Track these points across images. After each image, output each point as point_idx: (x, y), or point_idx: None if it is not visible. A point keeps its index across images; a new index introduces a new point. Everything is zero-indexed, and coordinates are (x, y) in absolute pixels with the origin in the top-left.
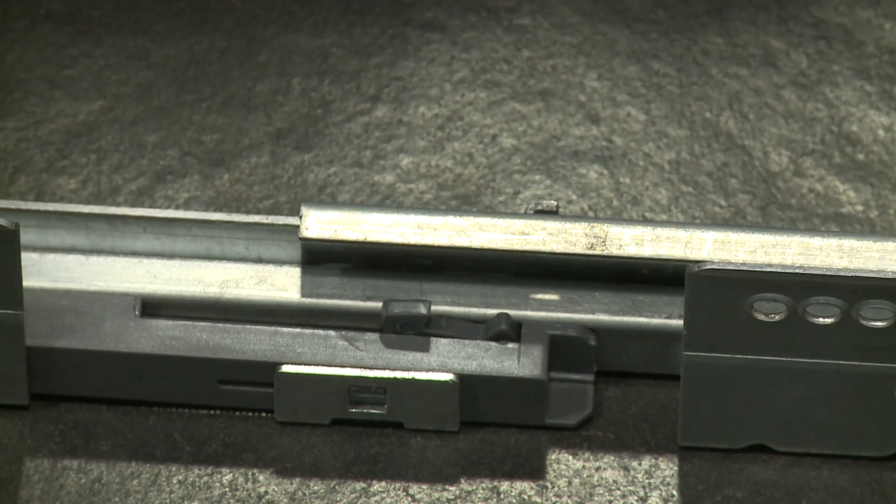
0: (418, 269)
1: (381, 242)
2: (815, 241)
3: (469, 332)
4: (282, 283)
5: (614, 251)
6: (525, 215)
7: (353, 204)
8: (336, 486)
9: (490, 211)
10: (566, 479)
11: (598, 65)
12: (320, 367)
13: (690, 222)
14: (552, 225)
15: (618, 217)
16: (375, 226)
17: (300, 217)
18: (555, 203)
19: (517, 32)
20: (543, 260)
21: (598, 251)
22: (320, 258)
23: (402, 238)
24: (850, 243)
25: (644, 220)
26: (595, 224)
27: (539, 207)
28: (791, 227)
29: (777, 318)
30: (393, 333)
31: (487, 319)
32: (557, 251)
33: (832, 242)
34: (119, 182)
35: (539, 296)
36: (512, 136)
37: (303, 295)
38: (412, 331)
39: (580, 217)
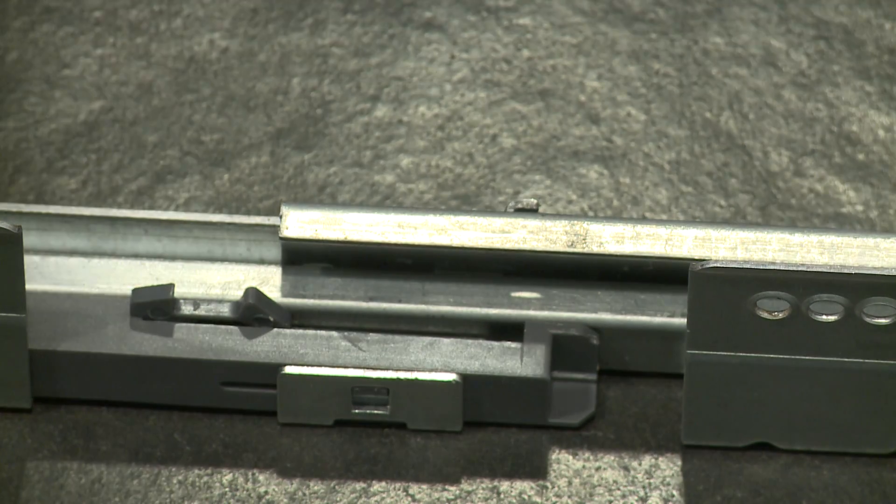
0: (402, 268)
1: (362, 242)
2: (796, 238)
3: (221, 311)
4: (283, 285)
5: (594, 249)
6: (505, 213)
7: (334, 203)
8: (336, 487)
9: (470, 210)
10: (566, 479)
11: (598, 65)
12: (323, 368)
13: (670, 220)
14: (532, 223)
15: (598, 215)
16: (356, 225)
17: (280, 217)
18: (535, 201)
19: (517, 32)
20: (524, 258)
21: (578, 249)
22: (300, 258)
23: (383, 237)
24: (829, 239)
25: (624, 218)
26: (575, 222)
27: (519, 206)
28: (769, 223)
29: (780, 315)
30: (143, 319)
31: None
32: (538, 249)
33: (812, 238)
34: (119, 182)
35: (520, 294)
36: (512, 136)
37: (303, 296)
38: (162, 316)
39: (560, 215)
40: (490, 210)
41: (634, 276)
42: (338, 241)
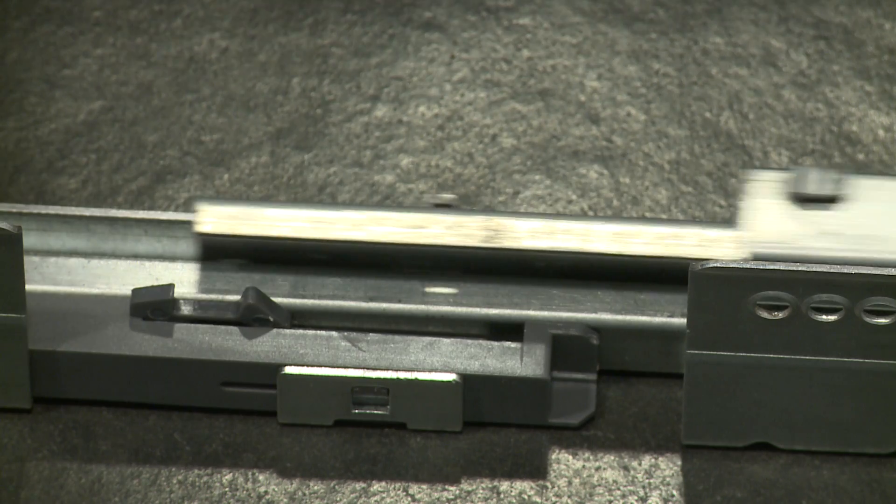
0: (317, 263)
1: (277, 237)
2: (712, 234)
3: (220, 312)
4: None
5: (509, 244)
6: (422, 208)
7: (250, 199)
8: (336, 486)
9: (386, 205)
10: (566, 479)
11: (598, 65)
12: (323, 369)
13: (588, 216)
14: (448, 218)
15: (517, 211)
16: (271, 220)
17: (195, 212)
18: (452, 196)
19: (517, 32)
20: (439, 253)
21: (493, 244)
22: (217, 254)
23: (298, 232)
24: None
25: (540, 214)
26: (491, 217)
27: (437, 201)
28: (692, 218)
29: (780, 315)
30: (143, 319)
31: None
32: (453, 244)
33: (726, 234)
34: (119, 182)
35: (434, 289)
36: (512, 136)
37: (302, 296)
38: (162, 317)
39: (476, 210)
40: (407, 206)
41: (551, 272)
42: (253, 237)
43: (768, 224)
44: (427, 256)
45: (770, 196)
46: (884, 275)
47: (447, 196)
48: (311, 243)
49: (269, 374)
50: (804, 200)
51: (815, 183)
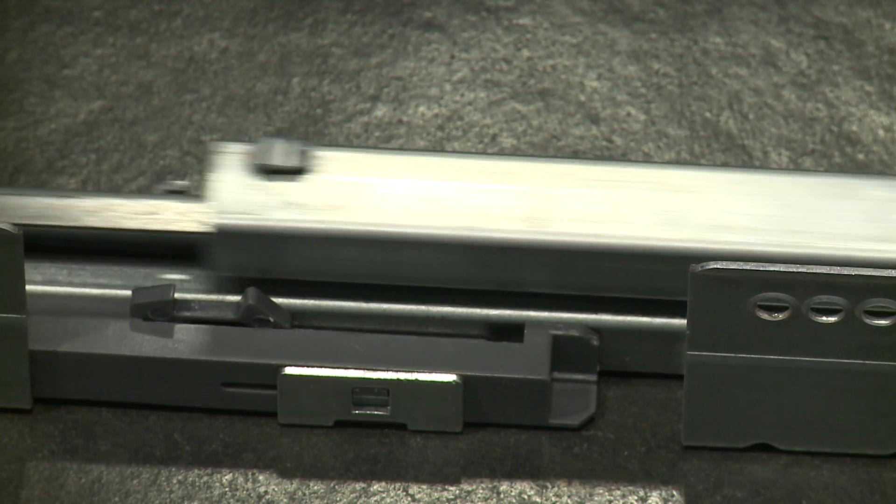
0: (55, 250)
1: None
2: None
3: (221, 312)
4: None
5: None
6: (153, 195)
7: None
8: (336, 486)
9: (120, 192)
10: (566, 479)
11: (598, 65)
12: (323, 369)
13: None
14: (180, 205)
15: None
16: (6, 207)
17: None
18: (186, 183)
19: (517, 32)
20: (171, 239)
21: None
22: None
23: (30, 219)
24: None
25: None
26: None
27: (170, 188)
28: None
29: (780, 317)
30: (143, 320)
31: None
32: (185, 230)
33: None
34: (119, 182)
35: (166, 276)
36: (512, 136)
37: (302, 296)
38: (163, 317)
39: (210, 197)
40: (139, 193)
41: None
42: None
43: (234, 195)
44: (158, 243)
45: (236, 168)
46: (884, 276)
47: (180, 183)
48: (43, 230)
49: (269, 374)
50: (270, 172)
51: (280, 155)
